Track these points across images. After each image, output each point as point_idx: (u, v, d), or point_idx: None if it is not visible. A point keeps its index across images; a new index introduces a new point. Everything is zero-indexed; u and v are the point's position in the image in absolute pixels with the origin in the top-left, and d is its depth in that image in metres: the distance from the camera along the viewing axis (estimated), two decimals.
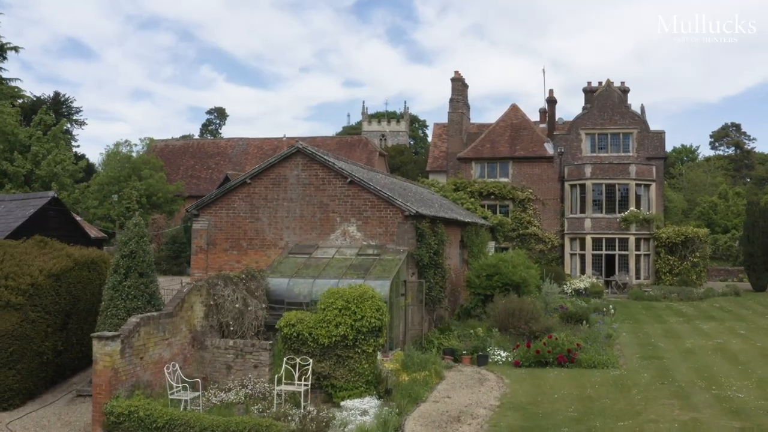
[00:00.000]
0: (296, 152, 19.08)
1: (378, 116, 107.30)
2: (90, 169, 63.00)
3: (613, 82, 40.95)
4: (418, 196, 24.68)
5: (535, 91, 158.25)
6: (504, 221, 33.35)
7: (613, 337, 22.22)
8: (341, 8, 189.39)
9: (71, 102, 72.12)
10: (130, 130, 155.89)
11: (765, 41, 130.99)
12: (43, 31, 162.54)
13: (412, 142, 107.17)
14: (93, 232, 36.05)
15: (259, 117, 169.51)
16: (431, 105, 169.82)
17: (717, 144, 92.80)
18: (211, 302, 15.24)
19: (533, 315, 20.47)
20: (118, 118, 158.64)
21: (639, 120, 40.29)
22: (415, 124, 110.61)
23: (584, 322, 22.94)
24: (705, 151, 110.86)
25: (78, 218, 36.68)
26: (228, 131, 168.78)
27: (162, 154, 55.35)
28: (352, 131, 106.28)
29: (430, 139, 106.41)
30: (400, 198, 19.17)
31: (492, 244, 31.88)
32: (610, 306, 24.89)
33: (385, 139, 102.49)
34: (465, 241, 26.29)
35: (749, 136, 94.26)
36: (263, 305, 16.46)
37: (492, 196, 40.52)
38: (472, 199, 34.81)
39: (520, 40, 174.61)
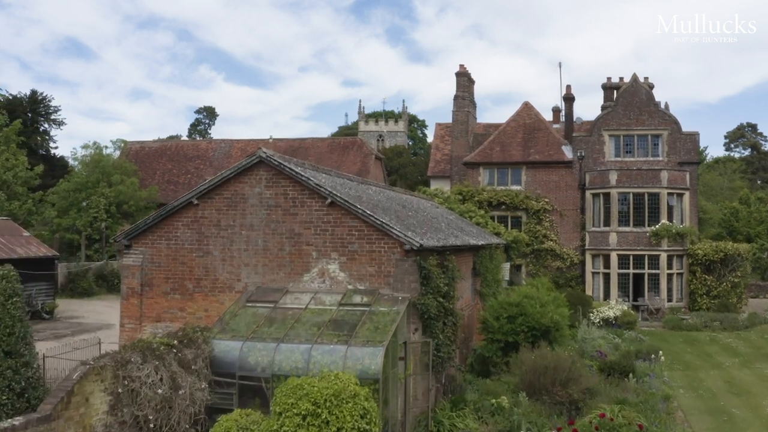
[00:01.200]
0: (258, 163, 14.20)
1: (375, 116, 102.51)
2: (65, 172, 58.15)
3: (638, 77, 36.09)
4: (421, 215, 19.82)
5: (535, 90, 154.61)
6: (519, 238, 28.56)
7: (671, 397, 17.39)
8: (340, 8, 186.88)
9: (49, 101, 67.53)
10: (129, 130, 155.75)
11: (765, 41, 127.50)
12: (42, 31, 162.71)
13: (410, 143, 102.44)
14: (43, 250, 31.16)
15: (258, 117, 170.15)
16: (430, 104, 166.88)
17: (732, 145, 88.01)
18: (119, 390, 10.36)
19: (572, 375, 15.64)
20: (117, 117, 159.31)
21: (670, 120, 35.42)
22: (414, 123, 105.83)
23: (630, 375, 18.13)
24: (713, 152, 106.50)
25: (26, 234, 31.85)
26: (226, 131, 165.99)
27: (137, 157, 50.43)
28: (348, 131, 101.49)
29: (429, 139, 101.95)
30: (399, 224, 14.31)
31: (507, 266, 27.05)
32: (660, 354, 20.09)
33: (382, 140, 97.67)
34: (478, 268, 21.44)
35: (765, 137, 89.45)
36: (203, 383, 11.57)
37: (503, 206, 35.64)
38: (482, 212, 29.92)
39: (520, 39, 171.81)
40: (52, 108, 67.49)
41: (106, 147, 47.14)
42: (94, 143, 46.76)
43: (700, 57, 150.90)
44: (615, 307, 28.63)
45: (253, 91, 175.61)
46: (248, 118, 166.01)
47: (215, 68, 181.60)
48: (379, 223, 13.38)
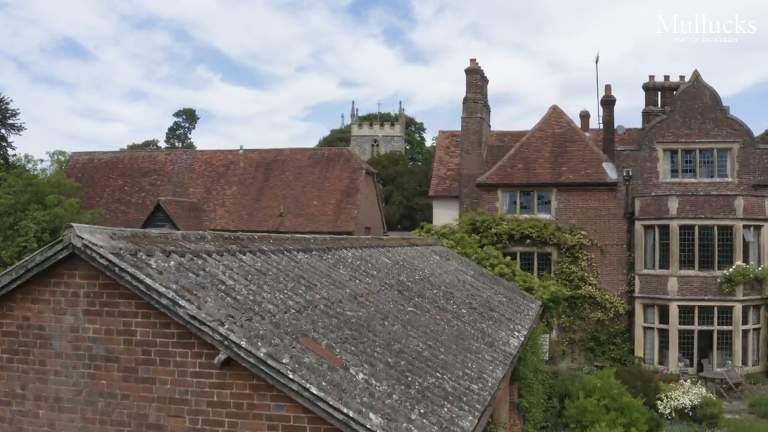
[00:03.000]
0: (69, 257, 6.32)
1: (370, 119, 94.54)
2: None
3: (699, 75, 28.30)
4: (428, 303, 11.93)
5: (534, 90, 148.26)
6: (559, 294, 20.77)
7: None
8: (338, 8, 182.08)
9: (7, 103, 59.93)
10: (126, 130, 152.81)
11: (765, 41, 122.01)
12: (39, 31, 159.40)
13: (408, 147, 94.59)
14: None
15: (256, 117, 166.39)
16: (428, 105, 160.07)
17: None
18: None
19: None
20: (114, 118, 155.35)
21: (741, 129, 27.65)
22: (412, 126, 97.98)
23: None
24: None
25: None
26: (225, 132, 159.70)
27: (84, 171, 42.47)
28: (342, 135, 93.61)
29: (428, 143, 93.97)
30: (388, 383, 6.49)
31: (546, 340, 19.27)
32: None
33: (377, 145, 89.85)
34: (517, 373, 13.66)
35: None
36: None
37: (527, 241, 27.73)
38: (508, 258, 22.07)
39: (518, 39, 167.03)
40: (9, 111, 60.08)
41: (42, 160, 39.17)
42: (26, 156, 38.81)
43: (700, 57, 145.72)
44: (691, 391, 20.75)
45: (250, 91, 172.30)
46: (246, 118, 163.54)
47: (212, 68, 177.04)
48: (342, 417, 5.52)
